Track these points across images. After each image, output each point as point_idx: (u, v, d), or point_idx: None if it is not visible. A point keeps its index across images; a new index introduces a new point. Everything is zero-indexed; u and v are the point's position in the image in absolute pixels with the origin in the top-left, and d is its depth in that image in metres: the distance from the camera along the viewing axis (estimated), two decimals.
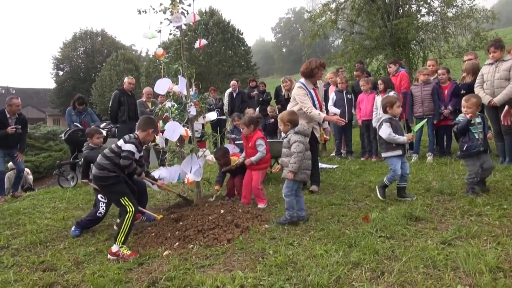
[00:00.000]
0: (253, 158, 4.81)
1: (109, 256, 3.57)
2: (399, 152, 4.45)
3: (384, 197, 4.49)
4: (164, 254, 3.50)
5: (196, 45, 5.19)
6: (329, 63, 17.43)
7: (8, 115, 6.91)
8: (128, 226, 3.67)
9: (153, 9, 4.90)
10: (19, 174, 7.54)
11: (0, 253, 3.95)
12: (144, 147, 4.25)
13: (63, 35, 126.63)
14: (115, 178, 3.83)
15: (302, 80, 5.33)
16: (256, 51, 68.68)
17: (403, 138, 4.42)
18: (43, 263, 3.57)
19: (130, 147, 3.86)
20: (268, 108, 9.68)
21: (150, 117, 4.39)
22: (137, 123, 4.17)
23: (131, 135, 4.01)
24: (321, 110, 5.30)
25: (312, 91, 5.28)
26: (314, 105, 5.20)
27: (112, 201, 4.23)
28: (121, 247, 3.57)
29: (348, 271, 2.75)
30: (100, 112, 42.00)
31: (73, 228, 4.42)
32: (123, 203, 3.75)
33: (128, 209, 3.72)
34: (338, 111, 7.78)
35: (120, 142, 3.94)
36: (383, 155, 4.61)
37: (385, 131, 4.44)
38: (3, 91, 49.66)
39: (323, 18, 16.73)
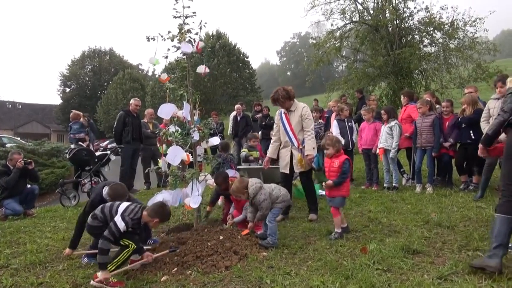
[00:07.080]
0: (236, 219, 4.98)
1: (92, 282, 3.48)
2: None
3: None
4: (162, 279, 3.52)
5: (199, 70, 5.28)
6: (332, 89, 17.73)
7: (11, 167, 7.05)
8: (123, 258, 3.61)
9: (161, 36, 5.08)
10: (34, 192, 7.48)
11: None
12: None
13: (71, 52, 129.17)
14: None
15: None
16: (261, 73, 69.58)
17: None
18: (42, 284, 3.61)
19: (120, 224, 3.56)
20: (271, 132, 9.76)
21: (163, 205, 3.92)
22: (149, 205, 3.91)
23: (136, 210, 3.72)
24: (294, 136, 5.33)
25: (283, 115, 5.47)
26: (285, 129, 5.39)
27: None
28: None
29: None
30: (104, 129, 42.35)
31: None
32: (123, 243, 3.63)
33: (130, 247, 3.61)
34: (343, 140, 7.82)
35: (121, 209, 3.70)
36: None
37: None
38: (10, 106, 50.19)
39: (328, 45, 17.08)
